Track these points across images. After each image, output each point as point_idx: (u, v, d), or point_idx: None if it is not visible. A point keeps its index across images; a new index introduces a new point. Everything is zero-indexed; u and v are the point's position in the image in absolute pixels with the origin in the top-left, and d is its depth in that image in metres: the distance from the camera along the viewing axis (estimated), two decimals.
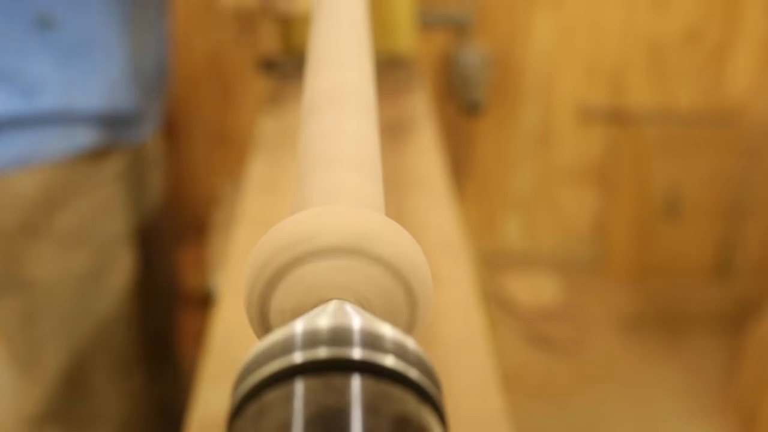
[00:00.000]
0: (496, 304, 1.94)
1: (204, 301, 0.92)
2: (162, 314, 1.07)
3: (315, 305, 0.26)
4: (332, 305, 0.24)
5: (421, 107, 0.98)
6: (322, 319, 0.23)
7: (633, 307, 1.96)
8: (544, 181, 2.04)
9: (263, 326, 0.27)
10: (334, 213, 0.26)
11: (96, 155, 0.90)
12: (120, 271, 0.94)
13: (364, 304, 0.26)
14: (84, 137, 0.88)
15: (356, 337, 0.22)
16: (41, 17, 0.80)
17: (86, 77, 0.86)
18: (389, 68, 1.06)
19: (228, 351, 0.61)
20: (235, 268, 0.69)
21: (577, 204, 2.07)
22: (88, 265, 0.90)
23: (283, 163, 0.84)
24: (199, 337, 0.88)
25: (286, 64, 1.07)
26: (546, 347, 1.84)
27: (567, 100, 1.96)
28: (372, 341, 0.22)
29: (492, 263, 2.06)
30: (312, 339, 0.22)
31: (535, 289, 2.02)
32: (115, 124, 0.91)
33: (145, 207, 0.99)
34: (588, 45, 1.91)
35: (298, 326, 0.23)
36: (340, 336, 0.22)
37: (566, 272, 2.07)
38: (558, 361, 1.80)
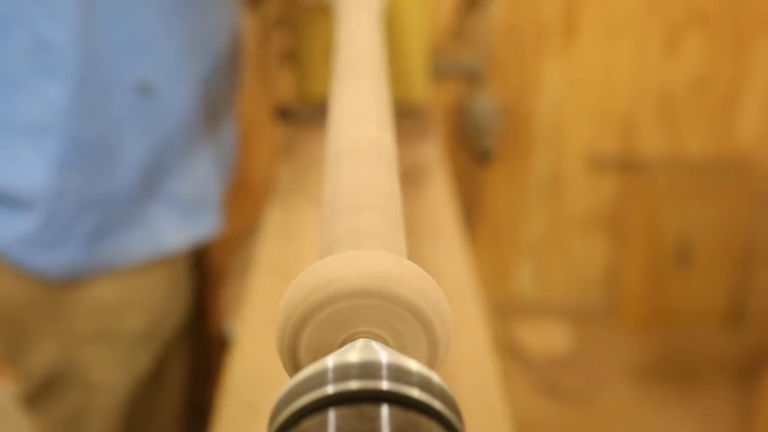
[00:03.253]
0: (508, 351, 1.94)
1: (220, 344, 0.94)
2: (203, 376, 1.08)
3: (343, 343, 0.27)
4: (360, 342, 0.26)
5: (434, 156, 1.00)
6: (352, 354, 0.25)
7: (645, 356, 1.96)
8: (555, 229, 2.05)
9: (293, 362, 0.29)
10: (361, 257, 0.28)
11: (174, 255, 0.90)
12: (179, 362, 0.95)
13: (388, 342, 0.28)
14: (171, 238, 0.89)
15: (384, 370, 0.24)
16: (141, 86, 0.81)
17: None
18: (403, 117, 1.08)
19: (245, 393, 0.62)
20: (252, 312, 0.70)
21: (589, 252, 2.08)
22: (150, 363, 0.90)
23: (300, 210, 0.86)
24: (214, 379, 0.89)
25: (302, 113, 1.09)
26: (557, 396, 1.83)
27: (578, 149, 1.98)
28: (399, 374, 0.23)
29: (503, 311, 2.06)
30: (343, 373, 0.24)
31: (547, 337, 2.02)
32: (198, 222, 0.92)
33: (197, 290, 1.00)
34: (598, 94, 1.94)
35: (330, 361, 0.24)
36: (369, 370, 0.24)
37: (578, 320, 2.07)
38: (570, 409, 1.80)
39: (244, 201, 1.92)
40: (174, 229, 0.88)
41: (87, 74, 0.76)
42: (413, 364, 0.24)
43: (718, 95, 1.93)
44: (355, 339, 0.27)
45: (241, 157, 1.91)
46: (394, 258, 0.28)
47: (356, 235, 0.30)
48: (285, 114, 1.11)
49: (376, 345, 0.26)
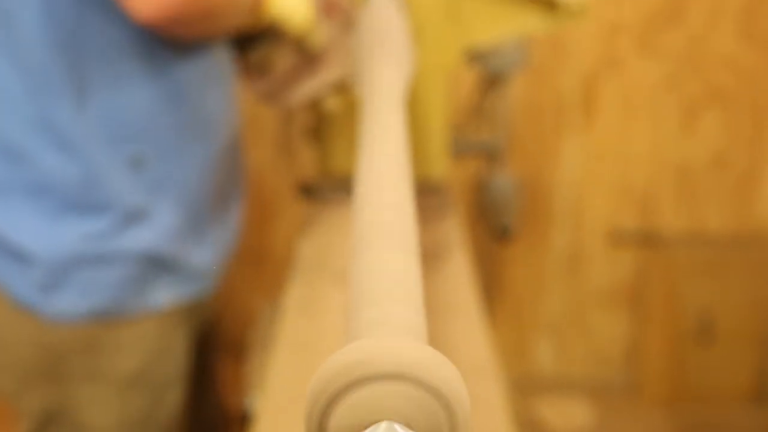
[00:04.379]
0: (528, 428, 1.91)
1: (241, 420, 0.94)
2: None
3: (368, 425, 0.28)
4: (383, 425, 0.27)
5: (453, 234, 1.01)
6: None
7: None
8: (575, 305, 2.05)
9: None
10: (385, 344, 0.29)
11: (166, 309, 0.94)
12: (171, 406, 0.97)
13: (411, 425, 0.29)
14: (161, 295, 0.92)
15: None
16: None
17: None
18: (423, 195, 1.09)
19: None
20: (273, 388, 0.71)
21: (609, 327, 2.07)
22: (142, 406, 0.93)
23: (321, 286, 0.87)
24: None
25: (324, 189, 1.11)
26: None
27: (597, 224, 1.99)
28: None
29: (524, 387, 2.05)
30: None
31: (568, 414, 1.99)
32: (190, 283, 0.95)
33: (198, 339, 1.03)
34: (617, 169, 1.95)
35: None
36: None
37: (599, 397, 2.04)
38: None
39: (265, 275, 1.94)
40: (164, 288, 0.92)
41: (85, 147, 0.84)
42: None
43: (737, 170, 1.94)
44: (379, 421, 0.28)
45: (262, 231, 1.94)
46: (417, 344, 0.29)
47: (380, 322, 0.31)
48: (307, 190, 1.13)
49: (399, 428, 0.27)
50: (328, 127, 1.10)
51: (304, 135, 1.18)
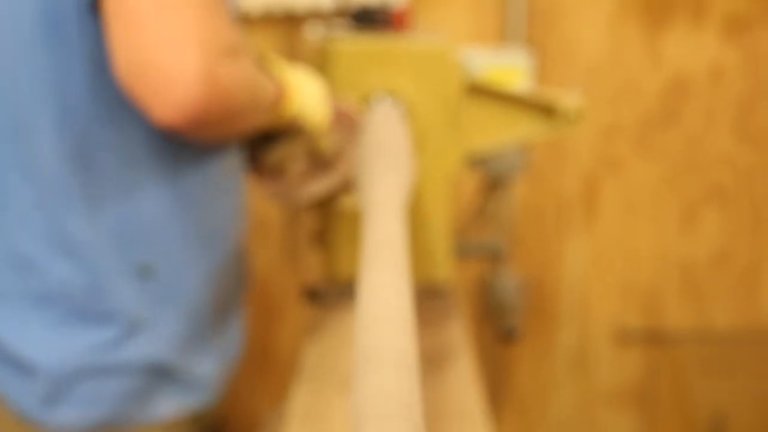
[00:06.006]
0: None
1: None
2: None
3: None
4: None
5: (458, 337, 1.02)
6: None
7: None
8: (583, 405, 2.02)
9: None
10: None
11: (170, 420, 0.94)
12: None
13: None
14: (164, 407, 0.92)
15: None
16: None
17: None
18: (428, 298, 1.11)
19: None
20: None
21: (619, 428, 2.03)
22: None
23: (325, 394, 0.87)
24: None
25: (330, 294, 1.12)
26: None
27: (603, 323, 1.99)
28: None
29: None
30: None
31: None
32: (194, 394, 0.95)
33: None
34: (621, 268, 1.96)
35: None
36: None
37: None
38: None
39: (270, 378, 1.93)
40: (168, 398, 0.91)
41: (94, 256, 0.85)
42: None
43: (739, 266, 1.95)
44: None
45: (267, 334, 1.94)
46: None
47: None
48: (313, 295, 1.14)
49: None
50: (333, 233, 1.12)
51: (310, 239, 1.20)
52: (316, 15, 1.69)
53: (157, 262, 0.88)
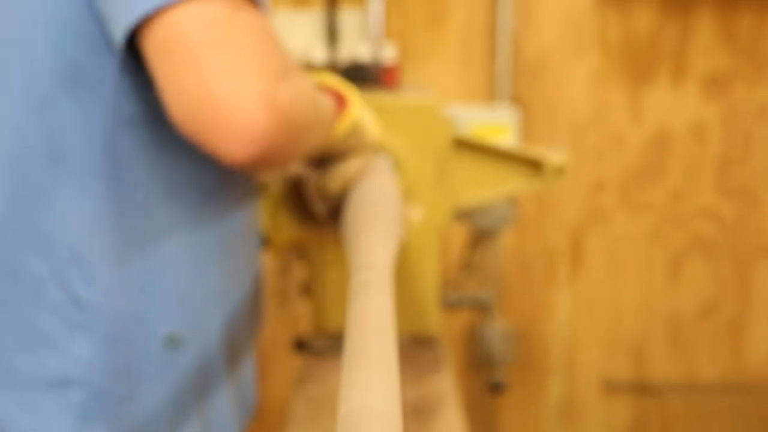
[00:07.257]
0: None
1: None
2: None
3: None
4: None
5: (446, 388, 1.03)
6: None
7: None
8: None
9: None
10: None
11: None
12: None
13: None
14: None
15: None
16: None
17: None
18: (415, 349, 1.12)
19: None
20: None
21: None
22: None
23: None
24: None
25: (319, 345, 1.14)
26: None
27: (590, 373, 2.00)
28: None
29: None
30: None
31: None
32: None
33: None
34: (607, 319, 1.98)
35: None
36: None
37: None
38: None
39: (259, 424, 1.93)
40: None
41: (116, 330, 0.78)
42: None
43: (725, 318, 1.98)
44: None
45: (257, 383, 1.94)
46: None
47: None
48: (302, 346, 1.15)
49: None
50: (322, 284, 1.13)
51: (301, 288, 1.21)
52: (308, 70, 1.73)
53: (184, 329, 0.82)
